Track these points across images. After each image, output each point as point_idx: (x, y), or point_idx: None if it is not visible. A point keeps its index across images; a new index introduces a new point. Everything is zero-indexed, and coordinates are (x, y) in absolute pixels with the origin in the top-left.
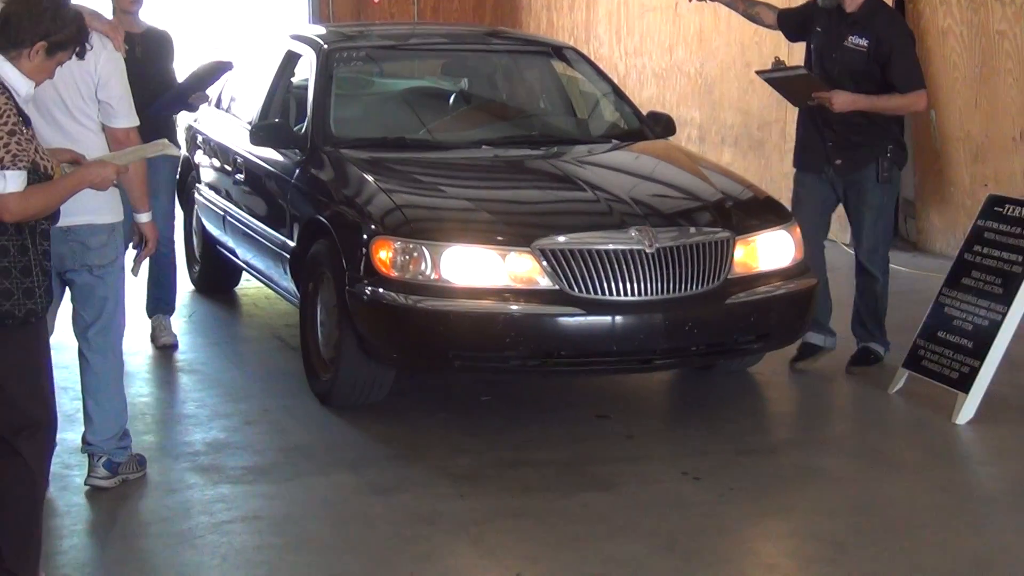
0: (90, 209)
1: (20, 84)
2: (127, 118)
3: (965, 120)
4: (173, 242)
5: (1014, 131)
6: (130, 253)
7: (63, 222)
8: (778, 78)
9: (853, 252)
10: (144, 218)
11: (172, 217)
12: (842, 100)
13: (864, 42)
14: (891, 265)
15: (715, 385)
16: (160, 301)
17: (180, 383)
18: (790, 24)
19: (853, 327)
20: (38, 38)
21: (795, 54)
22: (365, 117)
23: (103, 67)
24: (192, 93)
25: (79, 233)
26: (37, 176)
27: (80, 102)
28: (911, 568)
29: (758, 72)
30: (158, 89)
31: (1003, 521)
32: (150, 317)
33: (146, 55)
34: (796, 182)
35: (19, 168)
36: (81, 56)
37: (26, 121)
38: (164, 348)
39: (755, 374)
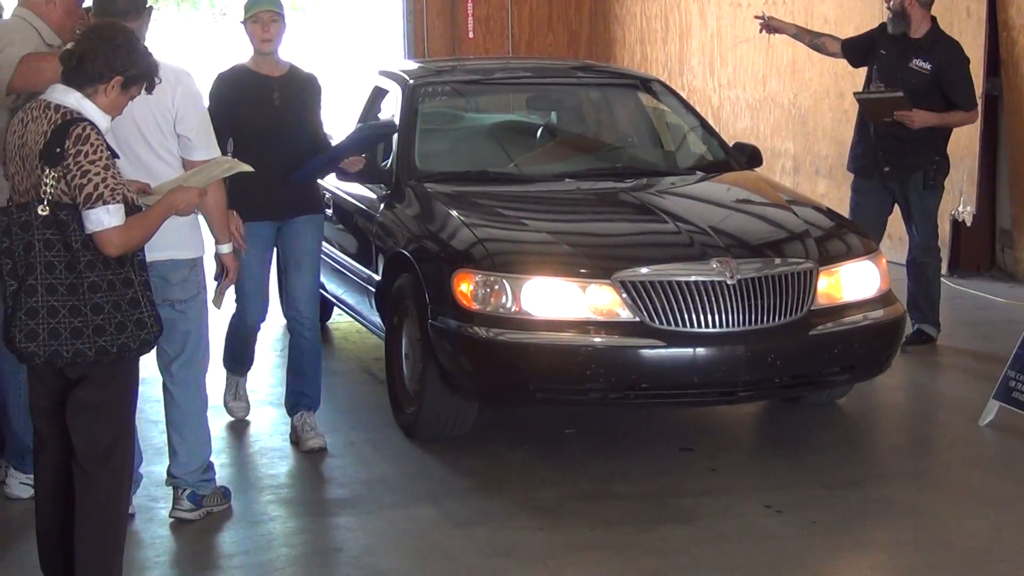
0: (171, 244)
1: (99, 119)
2: (206, 150)
3: None
4: (318, 325)
5: None
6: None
7: (147, 256)
8: (874, 100)
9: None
10: (225, 249)
11: (316, 295)
12: (922, 118)
13: (928, 65)
14: (987, 295)
15: (801, 418)
16: (302, 396)
17: (268, 417)
18: (855, 51)
19: (909, 311)
20: (114, 73)
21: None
22: (450, 151)
23: (180, 101)
24: (348, 157)
25: (160, 268)
26: (129, 209)
27: (160, 137)
28: None
29: (856, 94)
30: (298, 142)
31: None
32: (291, 415)
33: (286, 102)
34: (853, 189)
35: (117, 202)
36: (150, 91)
37: (114, 155)
38: (311, 452)
39: (843, 406)
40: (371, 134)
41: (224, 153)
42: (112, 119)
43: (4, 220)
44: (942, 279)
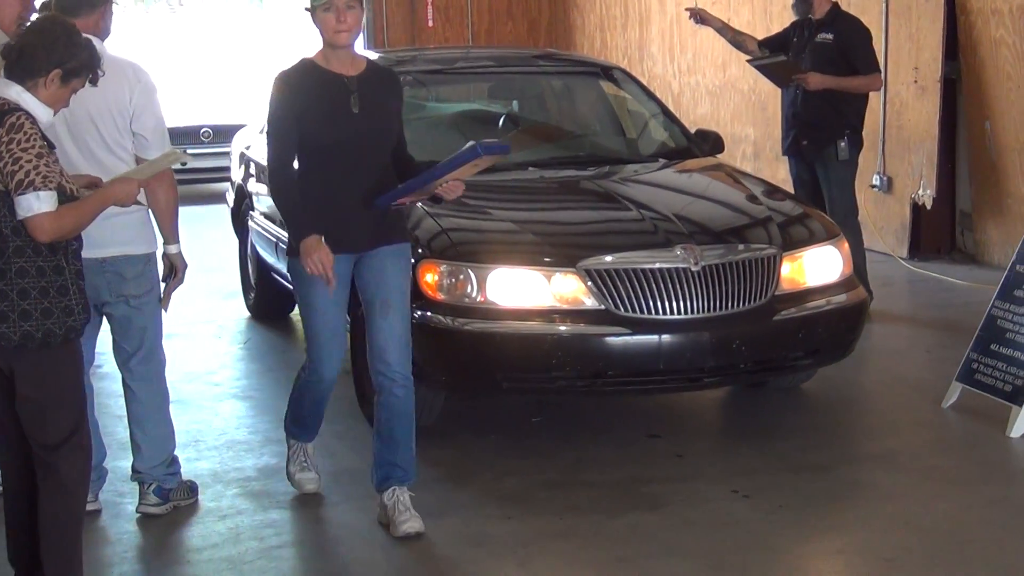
0: (124, 240)
1: (39, 111)
2: (160, 149)
3: (1020, 131)
4: (411, 380)
5: None
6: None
7: (98, 253)
8: (766, 64)
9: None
10: (173, 249)
11: (408, 343)
12: (816, 79)
13: (830, 36)
14: (948, 278)
15: (767, 402)
16: (394, 468)
17: (234, 410)
18: (771, 47)
19: None
20: (52, 66)
21: None
22: (413, 141)
23: (137, 99)
24: (442, 182)
25: (115, 264)
26: (65, 198)
27: (116, 134)
28: None
29: (748, 60)
30: (381, 156)
31: None
32: (380, 491)
33: (365, 108)
34: (789, 168)
35: (49, 189)
36: (94, 83)
37: (50, 146)
38: (407, 537)
39: (807, 391)
40: (483, 152)
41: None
42: (56, 111)
43: None
44: (903, 262)
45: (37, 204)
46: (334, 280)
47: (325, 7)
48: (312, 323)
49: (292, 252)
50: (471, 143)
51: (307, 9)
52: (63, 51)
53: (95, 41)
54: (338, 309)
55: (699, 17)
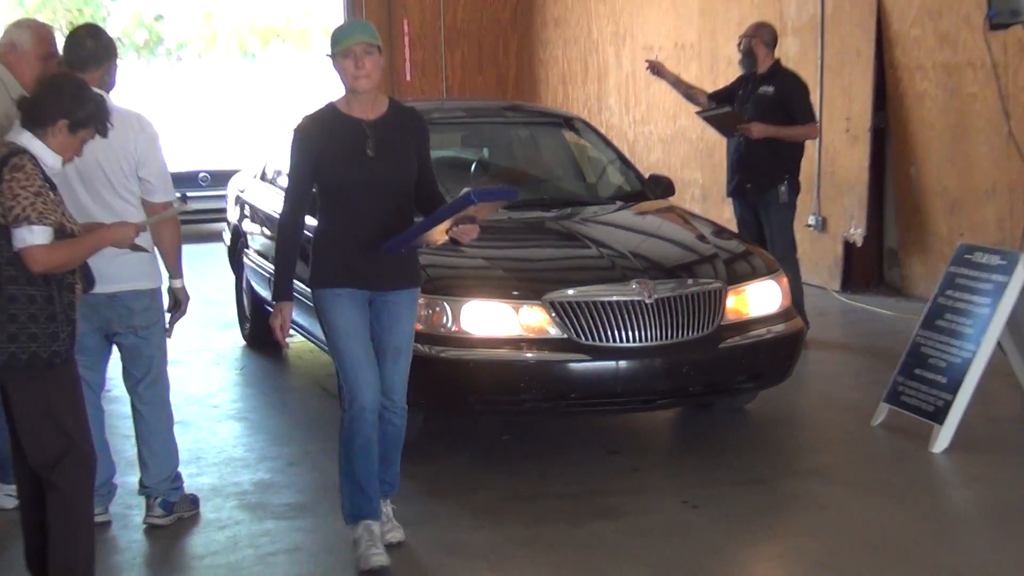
0: (133, 276)
1: (47, 157)
2: (164, 193)
3: (942, 175)
4: (406, 411)
5: (986, 185)
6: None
7: (110, 288)
8: (712, 115)
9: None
10: (177, 283)
11: (407, 378)
12: (758, 129)
13: (771, 89)
14: (877, 309)
15: (715, 422)
16: (382, 483)
17: (231, 430)
18: (719, 99)
19: None
20: (60, 116)
21: None
22: None
23: (142, 147)
24: (445, 227)
25: (124, 298)
26: (64, 235)
27: (123, 179)
28: None
29: (697, 113)
30: (394, 200)
31: (977, 540)
32: None
33: (381, 152)
34: (733, 210)
35: (44, 224)
36: (104, 134)
37: (52, 187)
38: (390, 546)
39: (750, 411)
40: (477, 199)
41: (309, 206)
42: (65, 160)
43: None
44: (836, 294)
45: (30, 237)
46: (284, 341)
47: (344, 54)
48: (342, 347)
49: (316, 284)
50: (466, 190)
51: (328, 55)
52: (70, 103)
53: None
54: (365, 332)
55: (656, 69)
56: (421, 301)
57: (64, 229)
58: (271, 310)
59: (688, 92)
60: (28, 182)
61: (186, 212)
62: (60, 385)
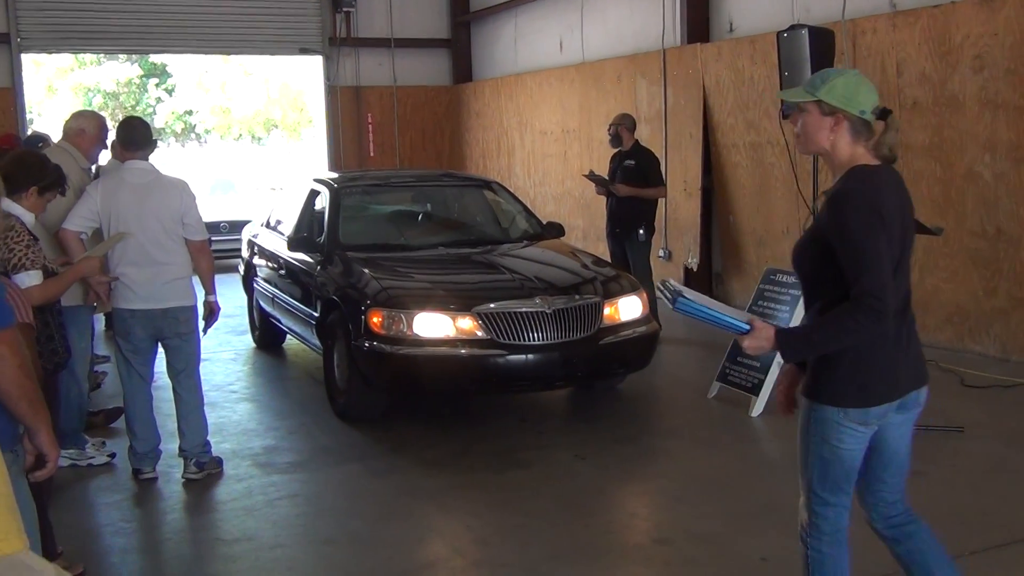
0: (179, 296)
1: (24, 215)
2: (199, 234)
3: (751, 220)
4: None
5: (782, 226)
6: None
7: (162, 305)
8: (590, 177)
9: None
10: (212, 298)
11: None
12: (624, 190)
13: (632, 162)
14: None
15: (596, 398)
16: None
17: (246, 408)
18: (608, 171)
19: None
20: (31, 184)
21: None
22: (362, 230)
23: (185, 203)
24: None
25: (173, 312)
26: (48, 274)
27: (172, 225)
28: (722, 510)
29: (584, 175)
30: None
31: (782, 478)
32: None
33: None
34: (608, 246)
35: (36, 269)
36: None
37: (34, 238)
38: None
39: (621, 389)
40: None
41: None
42: (36, 216)
43: None
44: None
45: (28, 280)
46: None
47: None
48: (844, 483)
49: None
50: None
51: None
52: (36, 174)
53: (142, 163)
54: None
55: (592, 174)
56: (384, 313)
57: (47, 270)
58: (275, 321)
59: (600, 193)
60: (19, 238)
61: (213, 251)
62: (54, 388)
